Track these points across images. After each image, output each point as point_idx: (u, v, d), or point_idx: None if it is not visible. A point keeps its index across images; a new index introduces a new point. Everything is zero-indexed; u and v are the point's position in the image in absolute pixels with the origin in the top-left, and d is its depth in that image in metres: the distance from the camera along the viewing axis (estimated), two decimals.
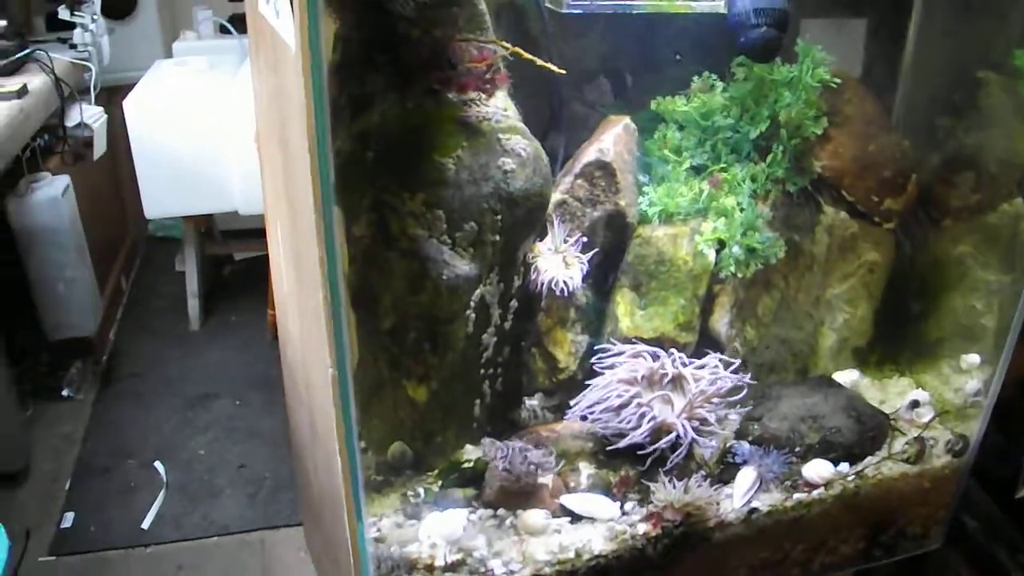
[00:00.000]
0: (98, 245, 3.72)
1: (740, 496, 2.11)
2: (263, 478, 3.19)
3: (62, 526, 2.89)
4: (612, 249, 2.24)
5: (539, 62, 1.98)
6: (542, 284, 2.14)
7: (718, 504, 2.08)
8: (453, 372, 2.10)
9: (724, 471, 2.15)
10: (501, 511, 2.07)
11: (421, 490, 2.11)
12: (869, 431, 2.22)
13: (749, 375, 2.19)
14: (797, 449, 2.18)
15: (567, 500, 2.08)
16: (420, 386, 2.09)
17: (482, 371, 2.18)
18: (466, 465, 2.16)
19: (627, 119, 2.22)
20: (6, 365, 3.00)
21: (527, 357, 2.24)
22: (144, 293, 4.46)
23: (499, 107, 2.04)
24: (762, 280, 2.25)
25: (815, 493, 2.14)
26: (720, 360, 2.17)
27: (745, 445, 2.17)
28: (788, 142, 2.18)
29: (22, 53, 3.29)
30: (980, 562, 2.58)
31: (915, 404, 2.32)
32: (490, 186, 1.99)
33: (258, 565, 2.84)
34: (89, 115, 3.44)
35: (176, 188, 3.76)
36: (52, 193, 3.25)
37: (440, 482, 2.14)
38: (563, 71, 2.00)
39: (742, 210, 2.18)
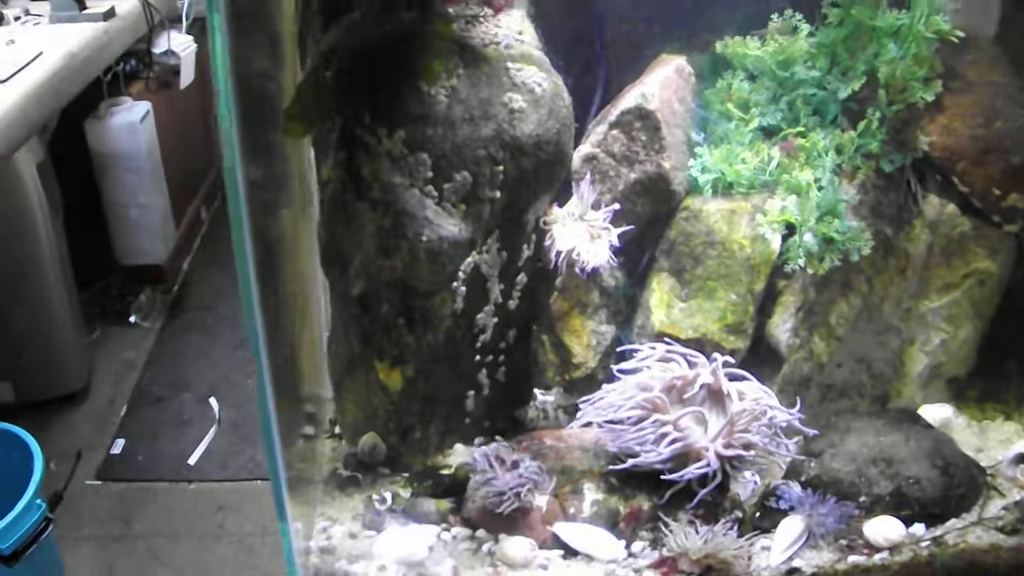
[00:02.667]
0: (179, 174, 3.47)
1: (780, 551, 1.53)
2: None
3: (112, 451, 2.68)
4: (652, 222, 1.64)
5: None
6: (557, 257, 1.54)
7: (749, 558, 1.52)
8: (435, 357, 1.57)
9: (764, 517, 1.58)
10: (481, 533, 1.56)
11: (388, 495, 1.62)
12: (957, 487, 1.60)
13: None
14: (862, 499, 1.57)
15: (562, 530, 1.55)
16: (393, 370, 1.56)
17: (478, 358, 1.62)
18: (445, 471, 1.59)
19: (682, 60, 1.61)
20: (75, 287, 2.83)
21: (536, 346, 1.64)
22: (224, 227, 4.10)
23: (512, 29, 1.45)
24: (839, 280, 1.63)
25: (877, 558, 1.55)
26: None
27: (795, 488, 1.58)
28: (887, 108, 1.53)
29: None
30: None
31: (1022, 459, 1.62)
32: (491, 128, 1.44)
33: None
34: (178, 43, 3.17)
35: None
36: (131, 118, 3.02)
37: (412, 488, 1.57)
38: None
39: (820, 188, 1.57)
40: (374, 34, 1.39)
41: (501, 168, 1.47)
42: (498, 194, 1.48)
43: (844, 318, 1.65)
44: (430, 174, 1.44)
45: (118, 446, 2.68)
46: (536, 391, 1.78)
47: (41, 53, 2.33)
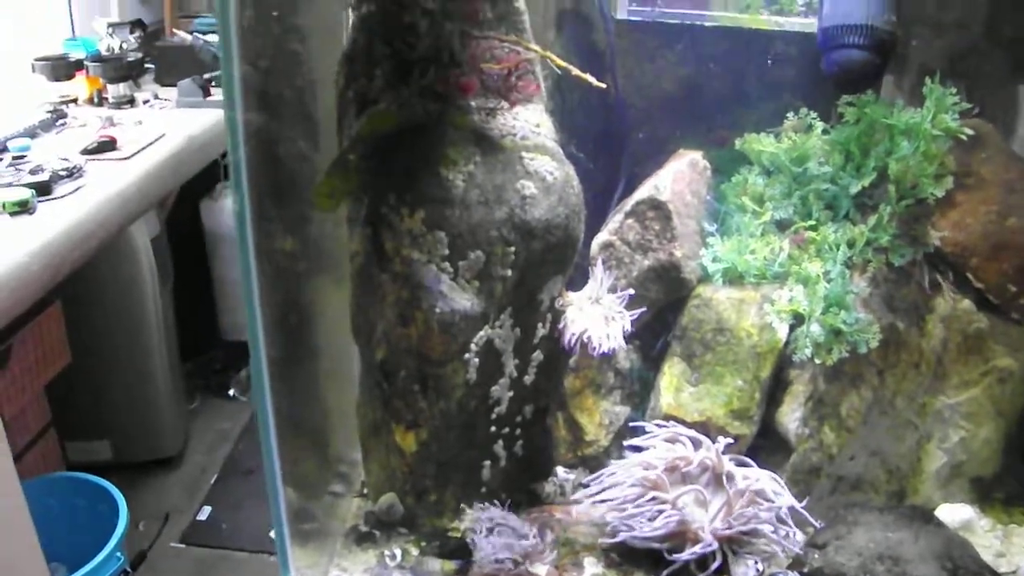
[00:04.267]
0: None
1: None
2: None
3: (198, 517, 2.80)
4: (665, 308, 1.69)
5: (574, 71, 1.52)
6: (572, 338, 1.63)
7: None
8: (449, 423, 1.65)
9: None
10: None
11: (398, 551, 1.68)
12: None
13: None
14: None
15: None
16: (408, 433, 1.65)
17: (493, 429, 1.69)
18: (452, 533, 1.67)
19: (697, 154, 1.69)
20: (179, 357, 3.00)
21: (551, 422, 1.72)
22: None
23: (530, 122, 1.57)
24: (850, 372, 1.64)
25: None
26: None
27: None
28: (897, 204, 1.56)
29: None
30: None
31: None
32: (504, 211, 1.54)
33: None
34: None
35: None
36: None
37: (420, 547, 1.67)
38: (603, 84, 1.50)
39: (829, 281, 1.59)
40: (399, 123, 1.53)
41: (512, 249, 1.57)
42: (510, 272, 1.59)
43: (855, 410, 1.66)
44: (446, 251, 1.55)
45: (204, 512, 2.79)
46: (560, 468, 1.85)
47: (164, 134, 2.49)
